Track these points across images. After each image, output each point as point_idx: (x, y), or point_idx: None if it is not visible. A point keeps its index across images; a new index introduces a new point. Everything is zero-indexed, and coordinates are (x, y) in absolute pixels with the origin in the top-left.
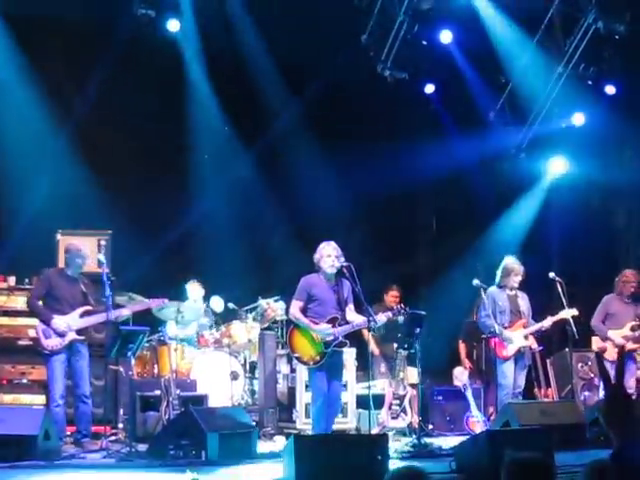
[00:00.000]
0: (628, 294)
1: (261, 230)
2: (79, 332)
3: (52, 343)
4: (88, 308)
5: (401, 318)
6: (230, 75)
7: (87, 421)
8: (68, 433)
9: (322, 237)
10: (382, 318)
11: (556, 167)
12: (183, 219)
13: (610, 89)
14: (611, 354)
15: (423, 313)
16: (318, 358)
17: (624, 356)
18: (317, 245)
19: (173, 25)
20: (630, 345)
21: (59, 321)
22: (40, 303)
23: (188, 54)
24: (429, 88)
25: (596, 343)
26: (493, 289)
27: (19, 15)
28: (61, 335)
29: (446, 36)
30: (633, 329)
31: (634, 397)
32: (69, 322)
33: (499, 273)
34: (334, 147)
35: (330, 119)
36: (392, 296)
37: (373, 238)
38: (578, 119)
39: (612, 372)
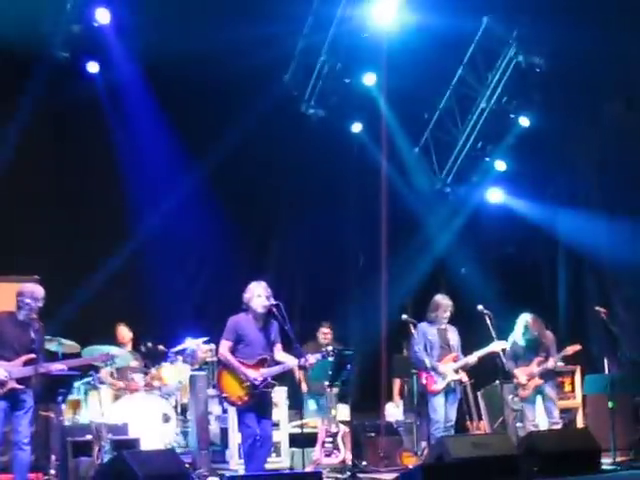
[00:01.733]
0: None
1: (188, 269)
2: (21, 381)
3: None
4: (33, 356)
5: (331, 358)
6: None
7: (24, 470)
8: None
9: (251, 276)
10: (312, 360)
11: (494, 197)
12: (110, 262)
13: (524, 121)
14: (522, 392)
15: (351, 352)
16: (246, 398)
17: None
18: (245, 285)
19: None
20: (535, 382)
21: None
22: None
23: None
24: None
25: (521, 374)
26: (423, 324)
27: None
28: (1, 383)
29: (369, 79)
30: (539, 364)
31: (559, 426)
32: (10, 370)
33: (429, 308)
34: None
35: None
36: (323, 333)
37: (301, 275)
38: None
39: (529, 407)
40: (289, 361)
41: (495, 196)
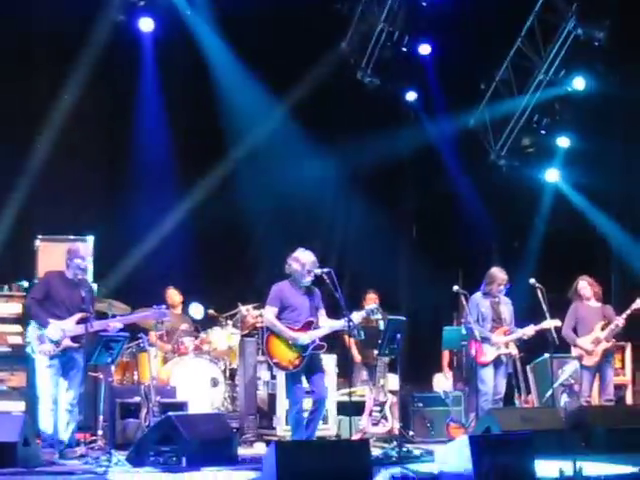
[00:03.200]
0: (589, 297)
1: (241, 235)
2: (74, 339)
3: (45, 349)
4: (85, 315)
5: (382, 323)
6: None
7: (72, 430)
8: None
9: (301, 242)
10: (357, 317)
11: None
12: (162, 224)
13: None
14: (589, 360)
15: (403, 319)
16: (297, 362)
17: (600, 363)
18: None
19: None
20: (604, 345)
21: (53, 329)
22: (40, 305)
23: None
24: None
25: (575, 350)
26: (477, 296)
27: None
28: (55, 341)
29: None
30: (603, 329)
31: (612, 402)
32: (65, 328)
33: (485, 280)
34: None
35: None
36: (370, 299)
37: (354, 242)
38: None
39: (589, 378)
40: (335, 322)
41: (552, 176)
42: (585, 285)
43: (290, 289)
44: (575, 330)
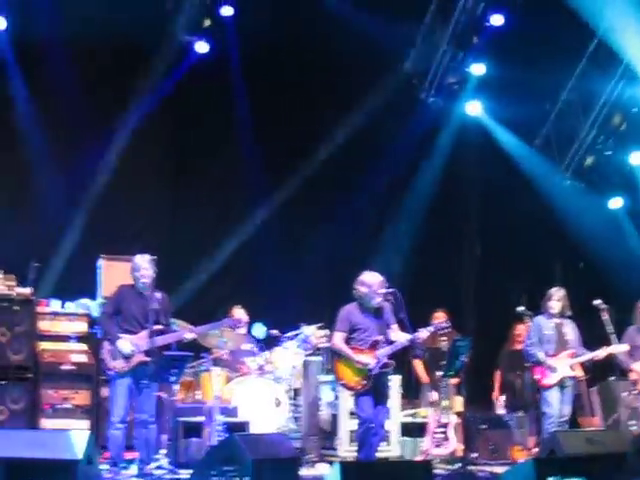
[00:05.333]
0: None
1: (305, 255)
2: (148, 353)
3: (118, 365)
4: (158, 327)
5: (445, 344)
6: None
7: (151, 448)
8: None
9: (364, 261)
10: (423, 334)
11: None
12: (227, 244)
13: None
14: None
15: (468, 340)
16: (365, 382)
17: None
18: (358, 270)
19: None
20: None
21: (124, 343)
22: (113, 321)
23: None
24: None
25: (633, 374)
26: (540, 317)
27: None
28: (127, 357)
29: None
30: None
31: None
32: (137, 342)
33: (543, 299)
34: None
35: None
36: (437, 319)
37: (415, 262)
38: None
39: None
40: (401, 338)
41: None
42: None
43: (358, 310)
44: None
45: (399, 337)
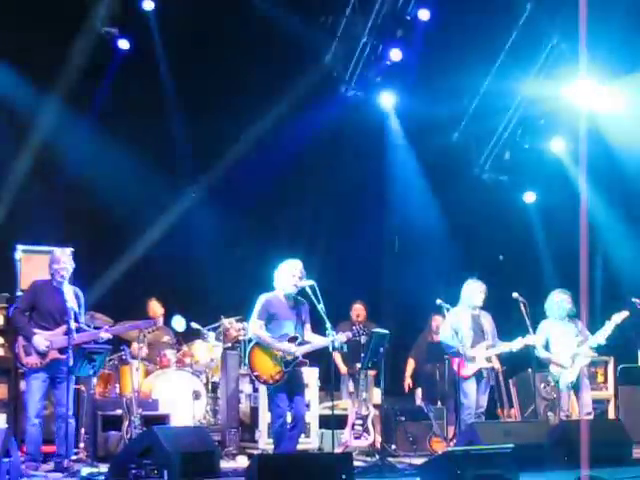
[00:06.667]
0: (566, 313)
1: (220, 248)
2: (62, 350)
3: (31, 361)
4: (73, 325)
5: (363, 338)
6: None
7: (71, 442)
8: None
9: (283, 254)
10: (342, 338)
11: None
12: (144, 237)
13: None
14: (565, 377)
15: (386, 332)
16: (278, 377)
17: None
18: (279, 261)
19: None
20: (582, 361)
21: (40, 338)
22: (26, 315)
23: None
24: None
25: (552, 366)
26: (457, 308)
27: None
28: (42, 353)
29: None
30: (579, 345)
31: (592, 415)
32: (52, 340)
33: (462, 292)
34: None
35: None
36: (356, 310)
37: (335, 252)
38: None
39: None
40: (320, 340)
41: None
42: (564, 298)
43: (277, 299)
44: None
45: (316, 339)
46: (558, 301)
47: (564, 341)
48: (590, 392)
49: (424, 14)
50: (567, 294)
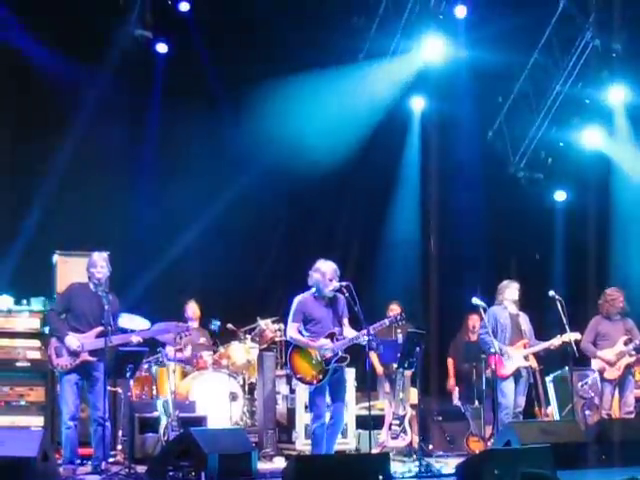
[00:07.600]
0: (616, 311)
1: (259, 249)
2: (93, 353)
3: (62, 362)
4: (106, 329)
5: (400, 337)
6: None
7: (107, 445)
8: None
9: (318, 256)
10: (377, 325)
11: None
12: (181, 239)
13: None
14: (610, 374)
15: (423, 332)
16: (321, 376)
17: (623, 373)
18: (313, 263)
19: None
20: (627, 360)
21: (72, 339)
22: (61, 318)
23: None
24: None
25: (596, 363)
26: (495, 307)
27: None
28: (73, 354)
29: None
30: (626, 343)
31: (633, 415)
32: (83, 341)
33: (498, 291)
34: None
35: None
36: (392, 311)
37: (370, 253)
38: None
39: (610, 391)
40: (354, 334)
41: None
42: (615, 297)
43: (312, 300)
44: (594, 343)
45: (351, 333)
46: (611, 299)
47: (612, 338)
48: (634, 391)
49: (461, 11)
50: (620, 292)
